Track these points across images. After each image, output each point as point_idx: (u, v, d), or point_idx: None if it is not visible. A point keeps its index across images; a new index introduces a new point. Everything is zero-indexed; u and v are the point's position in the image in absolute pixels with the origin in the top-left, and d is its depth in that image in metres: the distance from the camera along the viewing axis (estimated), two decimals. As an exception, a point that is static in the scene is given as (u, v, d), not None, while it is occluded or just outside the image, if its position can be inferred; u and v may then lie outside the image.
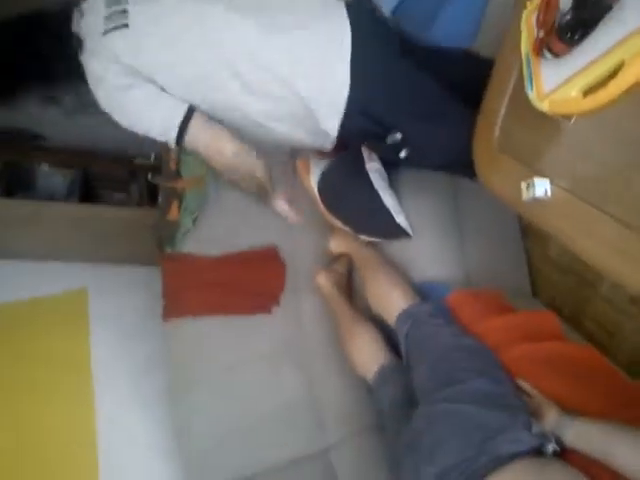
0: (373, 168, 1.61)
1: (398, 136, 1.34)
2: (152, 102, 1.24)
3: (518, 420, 1.12)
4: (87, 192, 2.56)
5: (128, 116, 1.25)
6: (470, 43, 1.59)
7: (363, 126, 1.34)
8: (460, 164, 1.34)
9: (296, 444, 1.54)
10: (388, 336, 1.51)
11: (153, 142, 1.29)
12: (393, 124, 1.33)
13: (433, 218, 1.65)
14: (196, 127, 1.26)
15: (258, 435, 1.53)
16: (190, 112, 1.25)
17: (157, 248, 1.96)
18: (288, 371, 1.63)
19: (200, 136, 1.27)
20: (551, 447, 1.09)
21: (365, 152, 1.58)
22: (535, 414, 1.14)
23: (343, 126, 1.33)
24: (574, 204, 1.12)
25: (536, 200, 1.15)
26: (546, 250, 1.72)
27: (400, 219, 1.59)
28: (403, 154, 1.38)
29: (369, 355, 1.44)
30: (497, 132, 1.28)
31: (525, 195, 1.16)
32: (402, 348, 1.40)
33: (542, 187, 1.14)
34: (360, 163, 1.60)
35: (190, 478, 1.55)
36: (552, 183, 1.15)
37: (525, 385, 1.21)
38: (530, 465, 1.06)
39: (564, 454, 1.09)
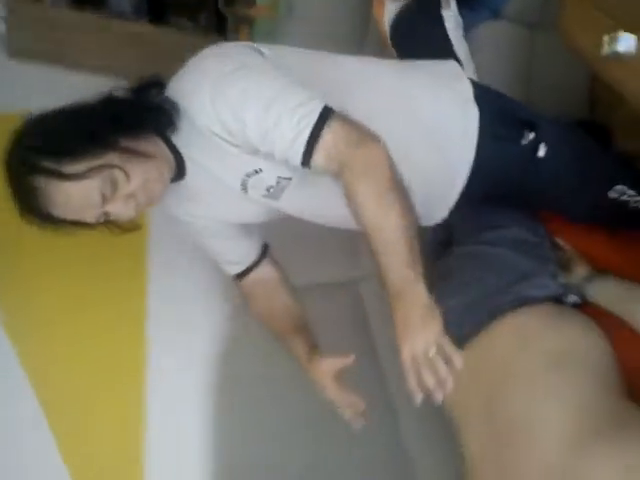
0: (449, 14, 1.54)
1: None
2: None
3: (547, 269, 1.16)
4: (156, 16, 2.53)
5: None
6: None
7: None
8: None
9: (327, 269, 1.62)
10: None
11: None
12: None
13: (503, 75, 1.61)
14: None
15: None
16: None
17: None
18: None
19: None
20: (572, 298, 1.15)
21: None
22: (564, 267, 1.18)
23: None
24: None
25: (616, 55, 1.11)
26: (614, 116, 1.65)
27: (469, 72, 1.55)
28: None
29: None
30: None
31: (607, 50, 1.12)
32: None
33: (626, 42, 1.10)
34: (436, 8, 1.53)
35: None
36: (638, 39, 1.10)
37: (560, 241, 1.24)
38: (549, 309, 1.12)
39: (584, 308, 1.15)
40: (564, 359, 1.02)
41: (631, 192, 1.20)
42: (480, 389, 1.08)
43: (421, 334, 0.85)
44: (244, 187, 1.05)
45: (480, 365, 1.09)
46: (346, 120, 0.93)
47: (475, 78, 1.55)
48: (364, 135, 0.92)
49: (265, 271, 1.27)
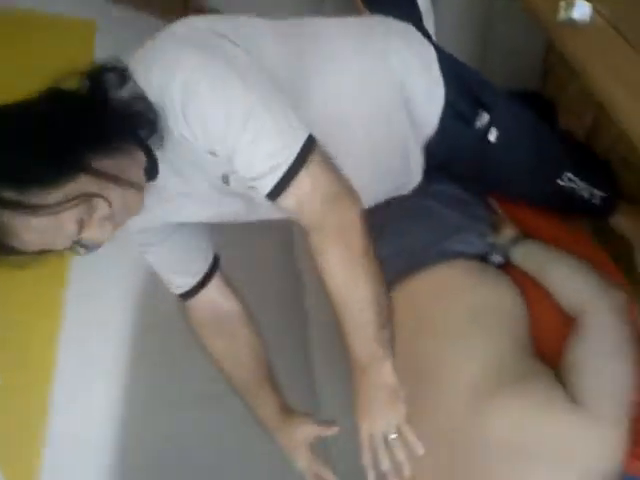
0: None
1: None
2: None
3: (477, 227, 1.18)
4: None
5: None
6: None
7: None
8: None
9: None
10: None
11: None
12: None
13: (461, 36, 1.59)
14: None
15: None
16: None
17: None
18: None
19: None
20: (496, 258, 1.17)
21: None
22: (494, 228, 1.20)
23: None
24: (609, 36, 1.09)
25: (571, 22, 1.11)
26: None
27: (429, 24, 1.53)
28: None
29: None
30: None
31: (562, 15, 1.12)
32: None
33: (582, 9, 1.10)
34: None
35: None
36: (593, 8, 1.10)
37: (493, 202, 1.26)
38: (472, 265, 1.14)
39: (506, 268, 1.17)
40: (481, 314, 1.05)
41: (577, 180, 1.21)
42: (400, 331, 1.10)
43: (383, 416, 0.84)
44: (225, 181, 0.90)
45: (403, 309, 1.11)
46: (326, 164, 0.83)
47: (433, 34, 1.53)
48: (342, 191, 0.83)
49: (220, 292, 1.08)
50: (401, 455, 0.83)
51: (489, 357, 0.99)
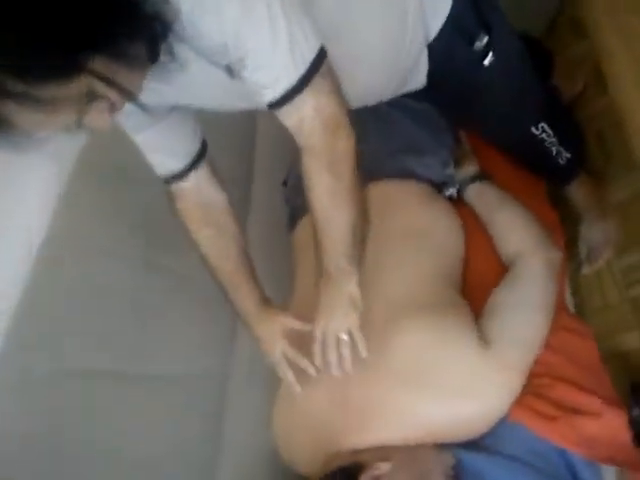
0: None
1: None
2: None
3: (440, 154, 1.15)
4: None
5: None
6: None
7: None
8: None
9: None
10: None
11: None
12: None
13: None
14: None
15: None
16: None
17: None
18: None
19: None
20: (451, 190, 1.15)
21: None
22: (457, 160, 1.18)
23: None
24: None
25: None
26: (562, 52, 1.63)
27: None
28: None
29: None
30: None
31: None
32: None
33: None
34: None
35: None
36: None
37: (463, 136, 1.23)
38: (425, 189, 1.11)
39: (457, 203, 1.16)
40: (420, 237, 1.03)
41: (550, 133, 1.18)
42: None
43: (339, 318, 0.90)
44: (229, 72, 0.82)
45: None
46: (333, 85, 0.79)
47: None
48: (343, 120, 0.81)
49: (207, 178, 1.04)
50: (347, 351, 0.90)
51: (412, 278, 0.97)
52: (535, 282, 0.97)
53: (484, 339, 0.91)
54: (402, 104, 1.15)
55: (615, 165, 1.30)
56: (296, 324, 1.00)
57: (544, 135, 1.17)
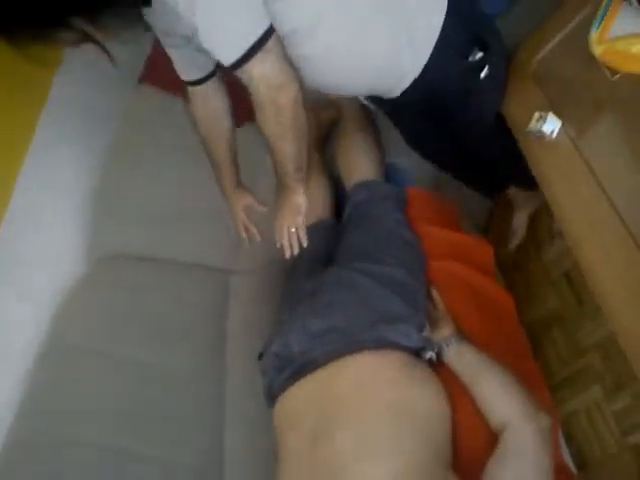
0: None
1: None
2: None
3: (416, 319, 1.14)
4: None
5: None
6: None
7: None
8: None
9: (205, 252, 1.63)
10: (337, 196, 1.51)
11: None
12: None
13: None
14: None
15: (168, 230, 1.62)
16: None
17: None
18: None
19: None
20: (430, 355, 1.13)
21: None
22: (432, 322, 1.17)
23: None
24: (572, 158, 1.10)
25: (539, 135, 1.11)
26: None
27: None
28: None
29: (313, 204, 1.43)
30: (539, 58, 1.24)
31: (533, 125, 1.12)
32: (345, 212, 1.41)
33: (552, 125, 1.11)
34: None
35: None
36: (563, 127, 1.11)
37: (436, 295, 1.23)
38: (404, 359, 1.09)
39: (438, 367, 1.14)
40: (403, 414, 0.99)
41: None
42: (312, 417, 1.04)
43: (288, 217, 1.34)
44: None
45: (320, 394, 1.06)
46: (277, 55, 1.02)
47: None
48: (285, 80, 1.05)
49: (216, 87, 1.31)
50: (295, 238, 1.34)
51: (399, 466, 0.93)
52: (526, 458, 0.93)
53: None
54: (370, 271, 1.17)
55: (589, 304, 1.31)
56: (253, 203, 1.43)
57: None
